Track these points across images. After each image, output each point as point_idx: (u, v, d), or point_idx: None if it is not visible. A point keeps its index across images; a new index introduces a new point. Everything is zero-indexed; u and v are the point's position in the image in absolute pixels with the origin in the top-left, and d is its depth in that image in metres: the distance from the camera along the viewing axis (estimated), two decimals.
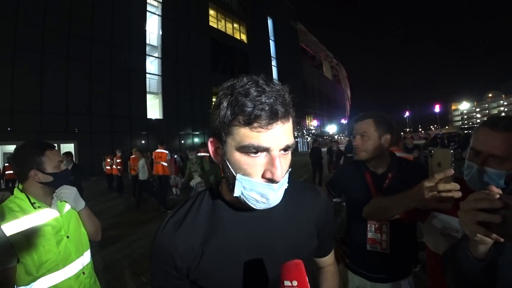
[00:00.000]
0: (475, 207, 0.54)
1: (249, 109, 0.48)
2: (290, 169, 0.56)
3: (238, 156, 0.51)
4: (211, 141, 0.59)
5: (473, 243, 0.60)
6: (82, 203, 1.28)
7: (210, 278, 0.60)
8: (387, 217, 1.02)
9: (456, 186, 0.70)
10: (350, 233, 1.45)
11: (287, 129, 0.52)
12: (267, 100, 0.48)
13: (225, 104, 0.51)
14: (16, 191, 1.15)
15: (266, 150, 0.50)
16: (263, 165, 0.51)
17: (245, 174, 0.51)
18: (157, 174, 6.64)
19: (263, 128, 0.48)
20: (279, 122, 0.50)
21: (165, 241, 0.61)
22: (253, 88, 0.49)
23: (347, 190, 1.46)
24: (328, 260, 0.83)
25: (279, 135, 0.50)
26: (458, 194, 0.70)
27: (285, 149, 0.52)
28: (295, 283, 0.46)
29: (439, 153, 0.77)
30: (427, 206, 0.78)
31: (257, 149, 0.49)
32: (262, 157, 0.51)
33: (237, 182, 0.52)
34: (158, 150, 6.76)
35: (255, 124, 0.48)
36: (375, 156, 1.29)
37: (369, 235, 1.31)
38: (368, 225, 1.31)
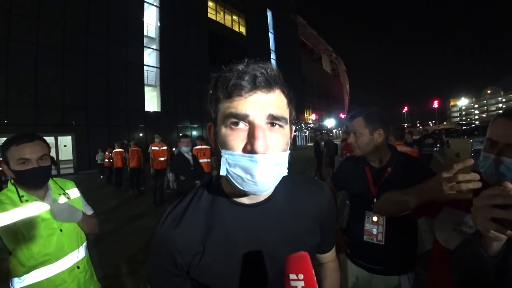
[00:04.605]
0: (489, 203, 0.53)
1: (230, 81, 0.49)
2: (289, 151, 0.53)
3: (224, 131, 0.51)
4: (208, 126, 0.58)
5: (486, 240, 0.59)
6: (79, 215, 1.22)
7: (211, 274, 0.58)
8: (400, 211, 0.98)
9: (476, 176, 0.66)
10: (350, 225, 1.49)
11: (271, 99, 0.50)
12: (248, 71, 0.49)
13: (213, 83, 0.53)
14: (9, 183, 1.15)
15: (246, 118, 0.49)
16: (245, 138, 0.49)
17: (228, 148, 0.50)
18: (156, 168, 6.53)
19: (242, 96, 0.49)
20: (258, 91, 0.49)
21: (164, 238, 0.59)
22: (239, 65, 0.51)
23: (348, 184, 1.49)
24: (329, 256, 0.82)
25: (260, 104, 0.49)
26: (479, 185, 0.66)
27: (272, 122, 0.50)
28: (301, 276, 0.43)
29: (457, 143, 0.72)
30: (444, 198, 0.73)
31: (236, 117, 0.49)
32: (244, 129, 0.50)
33: (222, 159, 0.50)
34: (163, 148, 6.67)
35: (235, 93, 0.49)
36: (369, 151, 1.32)
37: (366, 226, 1.34)
38: (366, 216, 1.34)
